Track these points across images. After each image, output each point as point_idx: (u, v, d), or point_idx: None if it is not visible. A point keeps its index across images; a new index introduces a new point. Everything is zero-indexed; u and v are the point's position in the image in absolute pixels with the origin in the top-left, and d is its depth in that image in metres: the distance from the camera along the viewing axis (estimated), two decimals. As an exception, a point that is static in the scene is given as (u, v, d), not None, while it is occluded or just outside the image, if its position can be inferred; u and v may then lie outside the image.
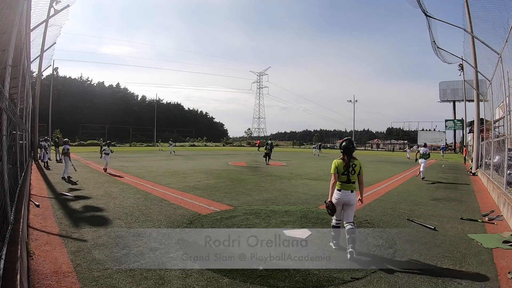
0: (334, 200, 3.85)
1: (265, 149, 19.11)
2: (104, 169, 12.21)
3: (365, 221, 5.39)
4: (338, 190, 3.85)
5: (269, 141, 21.87)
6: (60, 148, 18.67)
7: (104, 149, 12.66)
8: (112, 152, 12.82)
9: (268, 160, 18.58)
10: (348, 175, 3.80)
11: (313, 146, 37.68)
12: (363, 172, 3.91)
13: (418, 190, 9.00)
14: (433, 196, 8.12)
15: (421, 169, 11.69)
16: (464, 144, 37.73)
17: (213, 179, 10.50)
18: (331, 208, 3.84)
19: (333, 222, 3.99)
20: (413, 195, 8.09)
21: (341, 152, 3.90)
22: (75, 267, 3.23)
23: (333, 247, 3.96)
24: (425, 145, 12.56)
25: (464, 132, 42.74)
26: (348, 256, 3.57)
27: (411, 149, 51.23)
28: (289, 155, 28.46)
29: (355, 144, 4.26)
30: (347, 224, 3.82)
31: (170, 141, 31.99)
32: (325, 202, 3.96)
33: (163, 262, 3.44)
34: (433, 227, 5.03)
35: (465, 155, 24.25)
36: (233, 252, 3.80)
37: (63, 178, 9.89)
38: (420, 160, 11.85)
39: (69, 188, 8.32)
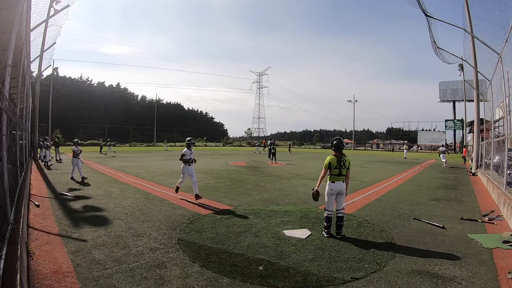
0: (330, 191, 4.49)
1: (272, 148, 19.65)
2: (195, 196, 6.82)
3: (365, 221, 5.39)
4: (332, 182, 4.48)
5: (269, 141, 22.08)
6: (61, 148, 18.71)
7: (183, 155, 7.02)
8: (194, 162, 7.21)
9: (274, 159, 19.11)
10: (340, 169, 4.47)
11: (256, 144, 42.20)
12: (351, 167, 4.64)
13: (418, 190, 8.99)
14: (433, 196, 8.12)
15: (443, 160, 18.51)
16: (464, 144, 37.91)
17: (213, 179, 10.50)
18: (317, 196, 4.55)
19: (326, 213, 4.55)
20: (413, 195, 8.09)
21: (333, 149, 4.59)
22: (75, 267, 3.24)
23: (325, 235, 4.49)
24: (443, 146, 22.63)
25: (464, 132, 42.73)
26: (338, 236, 4.45)
27: (411, 149, 51.37)
28: (288, 155, 28.44)
29: (344, 143, 4.96)
30: (338, 212, 4.51)
31: (108, 141, 24.84)
32: (312, 189, 4.62)
33: (163, 262, 3.44)
34: (441, 225, 5.06)
35: (465, 155, 24.22)
36: (233, 252, 3.81)
37: (72, 178, 9.82)
38: (441, 155, 18.96)
39: (69, 188, 8.32)
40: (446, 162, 18.40)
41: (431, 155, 34.16)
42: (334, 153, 4.55)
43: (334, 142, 4.64)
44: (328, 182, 4.52)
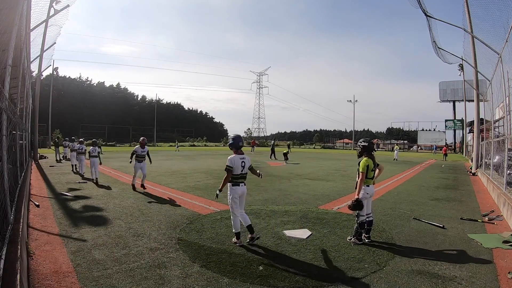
0: (366, 195, 4.21)
1: (288, 147, 20.24)
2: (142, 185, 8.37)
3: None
4: (366, 186, 4.24)
5: (271, 141, 22.29)
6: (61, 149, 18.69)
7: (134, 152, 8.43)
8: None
9: (278, 158, 19.88)
10: (374, 171, 4.30)
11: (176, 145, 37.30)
12: None
13: (418, 190, 8.99)
14: (433, 196, 8.12)
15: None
16: (447, 144, 41.64)
17: (213, 179, 10.50)
18: (362, 205, 4.10)
19: (361, 219, 4.19)
20: (413, 195, 8.09)
21: (364, 151, 4.30)
22: (75, 267, 3.23)
23: (358, 243, 4.15)
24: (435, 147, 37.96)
25: (464, 132, 42.74)
26: (366, 240, 4.21)
27: (411, 148, 51.39)
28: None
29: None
30: (369, 215, 4.28)
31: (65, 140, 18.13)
32: (356, 199, 4.07)
33: (163, 262, 3.44)
34: (441, 225, 5.06)
35: (445, 152, 26.72)
36: (233, 252, 3.80)
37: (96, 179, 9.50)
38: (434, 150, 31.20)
39: (69, 188, 8.32)
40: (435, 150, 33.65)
41: (431, 155, 34.16)
42: (366, 155, 4.26)
43: (366, 144, 4.33)
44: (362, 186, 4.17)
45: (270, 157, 21.80)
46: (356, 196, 4.12)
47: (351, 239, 4.24)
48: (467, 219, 5.64)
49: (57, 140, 19.16)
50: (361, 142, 4.46)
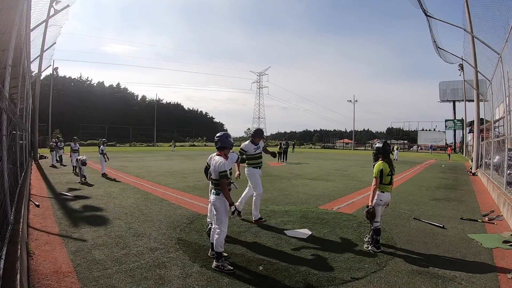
0: (380, 202, 3.95)
1: (279, 148, 20.00)
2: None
3: (365, 221, 5.38)
4: (382, 192, 3.96)
5: (285, 142, 22.09)
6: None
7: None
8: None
9: (283, 158, 19.39)
10: (391, 176, 3.99)
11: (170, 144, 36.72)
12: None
13: (418, 190, 8.99)
14: (433, 196, 8.11)
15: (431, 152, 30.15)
16: (449, 144, 43.75)
17: (213, 179, 10.48)
18: (374, 214, 3.85)
19: (377, 224, 3.93)
20: (413, 195, 8.09)
21: (380, 154, 4.05)
22: (75, 267, 3.23)
23: (376, 250, 3.84)
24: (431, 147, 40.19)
25: (464, 132, 42.76)
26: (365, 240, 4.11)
27: (411, 148, 51.47)
28: (291, 155, 28.39)
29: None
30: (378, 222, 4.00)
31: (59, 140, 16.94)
32: (367, 207, 3.87)
33: (163, 262, 3.44)
34: (441, 225, 5.05)
35: (450, 152, 29.67)
36: (233, 252, 3.80)
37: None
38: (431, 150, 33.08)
39: (69, 188, 8.32)
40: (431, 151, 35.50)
41: (430, 155, 34.18)
42: (382, 158, 4.01)
43: (381, 146, 4.05)
44: (377, 192, 3.96)
45: (283, 159, 19.62)
46: (369, 204, 3.86)
47: (368, 247, 3.94)
48: (467, 219, 5.64)
49: (56, 140, 19.11)
50: (375, 144, 4.18)
